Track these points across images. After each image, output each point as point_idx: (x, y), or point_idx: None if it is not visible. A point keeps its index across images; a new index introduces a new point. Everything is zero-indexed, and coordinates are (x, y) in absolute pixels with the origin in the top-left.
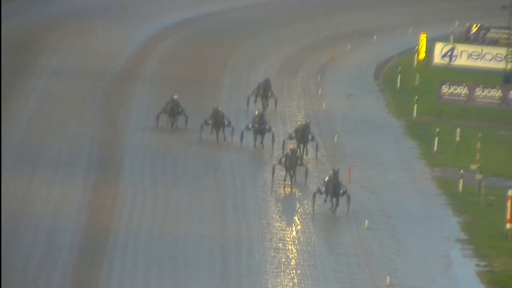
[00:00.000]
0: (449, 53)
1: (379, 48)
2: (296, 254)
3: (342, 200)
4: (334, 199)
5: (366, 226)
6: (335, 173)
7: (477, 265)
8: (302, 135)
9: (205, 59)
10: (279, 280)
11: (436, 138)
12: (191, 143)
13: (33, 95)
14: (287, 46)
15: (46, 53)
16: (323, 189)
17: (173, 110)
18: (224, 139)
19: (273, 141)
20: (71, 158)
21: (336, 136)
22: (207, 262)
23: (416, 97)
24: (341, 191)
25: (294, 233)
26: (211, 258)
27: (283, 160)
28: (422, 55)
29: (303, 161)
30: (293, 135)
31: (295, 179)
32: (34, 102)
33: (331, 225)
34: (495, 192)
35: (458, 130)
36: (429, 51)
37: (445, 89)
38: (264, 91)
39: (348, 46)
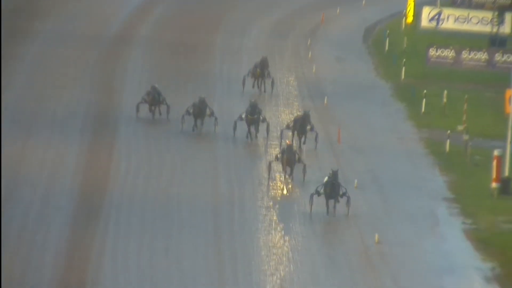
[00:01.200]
0: (436, 17)
1: (368, 12)
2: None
3: (342, 203)
4: (332, 201)
5: (355, 186)
6: (334, 174)
7: (463, 223)
8: (301, 125)
9: (197, 23)
10: (270, 237)
11: (424, 100)
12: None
13: (28, 59)
14: (278, 10)
15: (40, 18)
16: (321, 190)
17: (154, 99)
18: (198, 129)
19: (267, 131)
20: (66, 121)
21: (326, 98)
22: (200, 221)
23: (404, 60)
24: (340, 192)
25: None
26: (204, 217)
27: (279, 156)
28: (410, 19)
29: (301, 158)
30: (292, 125)
31: (293, 176)
32: (30, 66)
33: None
34: (481, 153)
35: (445, 92)
36: (417, 15)
37: (432, 52)
38: (261, 71)
39: (338, 10)
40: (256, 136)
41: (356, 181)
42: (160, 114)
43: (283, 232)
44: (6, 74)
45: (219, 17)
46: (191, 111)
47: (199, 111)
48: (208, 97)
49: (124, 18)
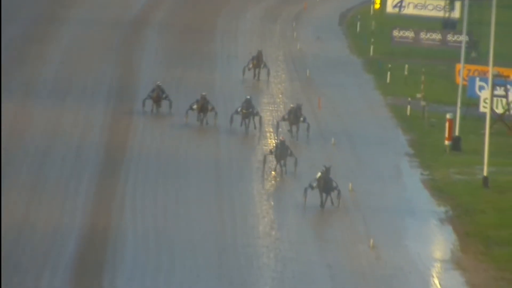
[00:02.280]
0: (399, 4)
1: (343, 0)
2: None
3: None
4: (324, 195)
5: (332, 143)
6: (327, 170)
7: (421, 174)
8: (295, 116)
9: (201, 9)
10: (261, 185)
11: (388, 72)
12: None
13: (64, 40)
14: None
15: (75, 6)
16: (315, 184)
17: (158, 96)
18: (207, 123)
19: (260, 123)
20: (94, 90)
21: (308, 70)
22: (204, 172)
23: (372, 40)
24: (332, 186)
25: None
26: (207, 169)
27: (273, 150)
28: (377, 5)
29: (293, 152)
30: (286, 116)
31: (286, 169)
32: (65, 46)
33: (304, 141)
34: (436, 116)
35: (406, 66)
36: (383, 2)
37: (396, 33)
38: (257, 62)
39: None
40: (253, 127)
41: (333, 139)
42: (159, 108)
43: (272, 182)
44: (46, 52)
45: (220, 5)
46: (194, 107)
47: (202, 107)
48: (210, 69)
49: (142, 6)
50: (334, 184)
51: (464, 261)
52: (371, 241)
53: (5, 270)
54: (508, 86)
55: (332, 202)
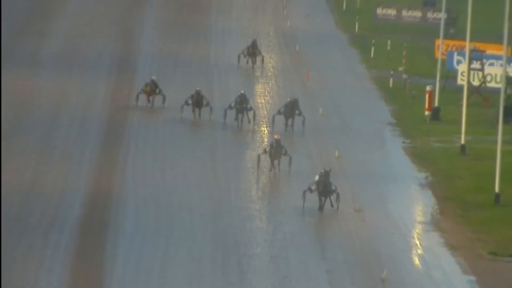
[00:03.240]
0: None
1: None
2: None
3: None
4: (323, 198)
5: (320, 113)
6: (326, 173)
7: (403, 142)
8: (291, 110)
9: None
10: (254, 153)
11: (372, 47)
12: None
13: (68, 16)
14: None
15: None
16: (314, 187)
17: (152, 90)
18: (199, 116)
19: (254, 118)
20: (97, 62)
21: (297, 45)
22: (199, 143)
23: (357, 17)
24: (332, 190)
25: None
26: (202, 142)
27: (268, 149)
28: None
29: (287, 151)
30: (282, 110)
31: (280, 168)
32: (69, 21)
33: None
34: (417, 88)
35: (389, 41)
36: None
37: (379, 10)
38: (252, 50)
39: None
40: (243, 123)
41: (321, 110)
42: (161, 101)
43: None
44: (51, 28)
45: None
46: (189, 102)
47: (197, 102)
48: (205, 43)
49: None
50: (333, 188)
51: (442, 223)
52: (357, 204)
53: (14, 231)
54: (484, 60)
55: (331, 205)
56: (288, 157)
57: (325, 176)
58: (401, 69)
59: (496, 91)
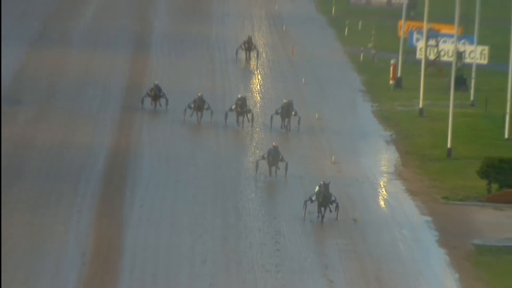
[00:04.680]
0: None
1: None
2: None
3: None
4: (322, 209)
5: (303, 82)
6: (326, 186)
7: (371, 106)
8: (287, 111)
9: None
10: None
11: (346, 27)
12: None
13: (93, 2)
14: None
15: None
16: (314, 198)
17: (156, 94)
18: (199, 122)
19: (252, 120)
20: (118, 39)
21: (284, 25)
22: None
23: (334, 1)
24: (331, 200)
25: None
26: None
27: (266, 156)
28: None
29: (284, 158)
30: (279, 111)
31: (276, 172)
32: (95, 5)
33: (280, 84)
34: (383, 61)
35: (360, 22)
36: None
37: None
38: (248, 45)
39: None
40: (243, 124)
41: (303, 79)
42: (160, 105)
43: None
44: (81, 10)
45: None
46: (192, 105)
47: (199, 106)
48: (208, 24)
49: None
50: (333, 198)
51: (404, 173)
52: (333, 157)
53: (49, 180)
54: (439, 38)
55: (330, 210)
56: (285, 163)
57: (325, 188)
58: (370, 45)
59: (448, 64)
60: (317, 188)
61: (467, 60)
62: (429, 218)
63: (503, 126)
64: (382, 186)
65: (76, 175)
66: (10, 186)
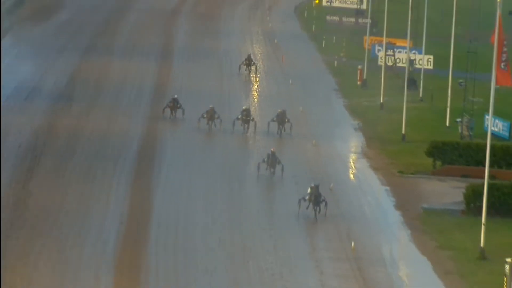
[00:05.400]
0: (329, 0)
1: None
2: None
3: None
4: (316, 207)
5: (291, 83)
6: (316, 187)
7: (343, 101)
8: (282, 119)
9: (212, 2)
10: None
11: (324, 41)
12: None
13: (130, 21)
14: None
15: (136, 1)
16: (307, 198)
17: (174, 105)
18: (215, 126)
19: (255, 127)
20: (148, 52)
21: (276, 40)
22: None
23: (314, 21)
24: (321, 199)
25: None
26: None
27: (265, 159)
28: (317, 1)
29: (281, 161)
30: (274, 118)
31: (275, 172)
32: (131, 25)
33: (272, 84)
34: (352, 67)
35: (334, 37)
36: None
37: (328, 17)
38: (248, 62)
39: None
40: (247, 131)
41: (291, 80)
42: (175, 116)
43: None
44: (119, 28)
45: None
46: (205, 115)
47: (211, 116)
48: (217, 39)
49: (176, 1)
50: (323, 197)
51: (368, 153)
52: (314, 141)
53: (94, 160)
54: (395, 49)
55: (319, 211)
56: (281, 165)
57: (316, 189)
58: (342, 54)
59: (402, 69)
60: (309, 189)
61: (417, 66)
62: (387, 188)
63: (445, 116)
64: (351, 162)
65: (116, 156)
66: (67, 163)
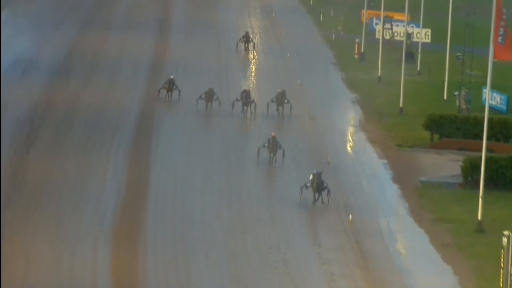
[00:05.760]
0: None
1: None
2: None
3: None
4: (317, 194)
5: (288, 57)
6: (319, 174)
7: (341, 75)
8: (281, 99)
9: None
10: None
11: (321, 14)
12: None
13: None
14: None
15: None
16: (309, 185)
17: (170, 87)
18: (207, 108)
19: (255, 108)
20: (146, 26)
21: (273, 13)
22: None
23: None
24: (323, 187)
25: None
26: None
27: (266, 144)
28: None
29: (282, 146)
30: (274, 99)
31: (276, 159)
32: (127, 1)
33: (270, 57)
34: (350, 40)
35: (332, 10)
36: None
37: None
38: (246, 38)
39: None
40: (250, 112)
41: (288, 54)
42: (170, 97)
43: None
44: (117, 3)
45: None
46: (203, 97)
47: (209, 97)
48: (215, 12)
49: None
50: (325, 185)
51: (366, 126)
52: (311, 114)
53: (92, 132)
54: (392, 23)
55: (322, 201)
56: (282, 150)
57: (318, 176)
58: (339, 28)
59: (400, 42)
60: (311, 176)
61: (415, 40)
62: (385, 161)
63: (443, 90)
64: (349, 135)
65: (114, 128)
66: (65, 136)
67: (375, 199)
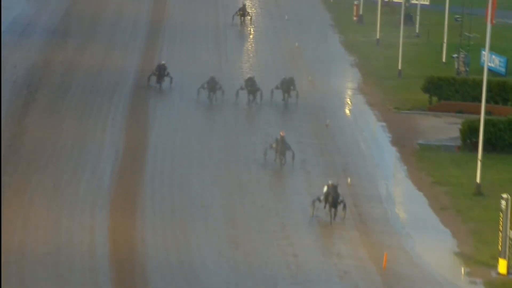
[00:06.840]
0: None
1: None
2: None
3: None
4: (333, 210)
5: (286, 18)
6: (334, 187)
7: (339, 37)
8: (287, 86)
9: None
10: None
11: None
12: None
13: None
14: None
15: None
16: (322, 198)
17: (161, 73)
18: (216, 99)
19: (261, 98)
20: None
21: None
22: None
23: None
24: (339, 201)
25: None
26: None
27: (273, 145)
28: None
29: (291, 147)
30: (279, 86)
31: (285, 160)
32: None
33: (268, 20)
34: (349, 2)
35: None
36: None
37: None
38: (242, 12)
39: None
40: (255, 102)
41: (286, 16)
42: (170, 83)
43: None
44: None
45: None
46: (205, 86)
47: (212, 86)
48: (215, 6)
49: None
50: (341, 198)
51: (364, 89)
52: (309, 77)
53: (90, 94)
54: None
55: (335, 215)
56: (292, 152)
57: (333, 189)
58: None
59: (398, 4)
60: (325, 188)
61: (413, 1)
62: (383, 124)
63: (441, 52)
64: (348, 98)
65: (112, 90)
66: (62, 99)
67: (374, 162)
